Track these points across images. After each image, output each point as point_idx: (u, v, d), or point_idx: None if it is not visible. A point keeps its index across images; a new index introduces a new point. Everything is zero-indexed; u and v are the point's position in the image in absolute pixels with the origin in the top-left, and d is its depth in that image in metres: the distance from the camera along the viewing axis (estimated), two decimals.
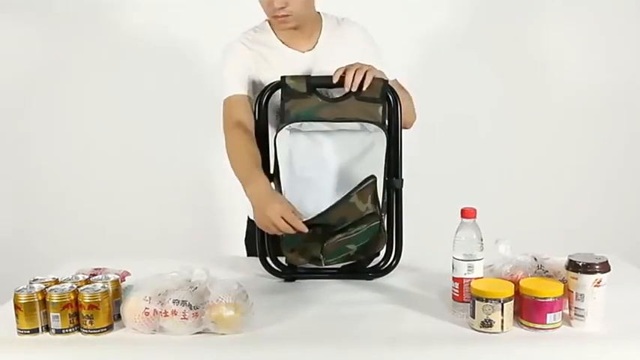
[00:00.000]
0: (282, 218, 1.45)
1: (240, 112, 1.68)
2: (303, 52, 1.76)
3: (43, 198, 3.02)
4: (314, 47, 1.77)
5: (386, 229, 1.59)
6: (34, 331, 1.31)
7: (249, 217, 1.98)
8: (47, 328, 1.32)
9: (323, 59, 1.74)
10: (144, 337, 1.30)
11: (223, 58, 1.76)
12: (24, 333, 1.31)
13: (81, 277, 1.41)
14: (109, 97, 2.90)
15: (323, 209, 1.48)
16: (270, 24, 1.77)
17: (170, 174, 2.94)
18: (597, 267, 1.27)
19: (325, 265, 1.54)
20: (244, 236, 1.98)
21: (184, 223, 3.00)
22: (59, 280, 1.40)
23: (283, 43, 1.76)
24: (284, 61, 1.74)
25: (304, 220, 1.48)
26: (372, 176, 1.51)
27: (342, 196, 1.49)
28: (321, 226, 1.49)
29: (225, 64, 1.75)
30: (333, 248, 1.51)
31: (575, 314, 1.30)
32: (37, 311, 1.31)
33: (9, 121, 2.96)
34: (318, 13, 1.80)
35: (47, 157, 2.98)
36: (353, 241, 1.51)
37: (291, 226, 1.45)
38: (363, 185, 1.49)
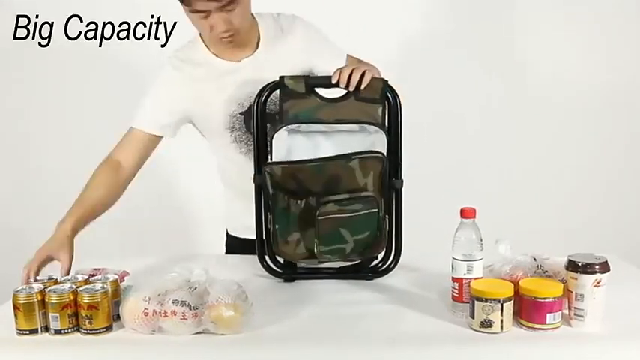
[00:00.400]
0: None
1: (127, 151, 1.75)
2: (239, 60, 1.73)
3: (43, 198, 3.01)
4: (253, 54, 1.74)
5: (387, 232, 1.58)
6: (34, 331, 1.31)
7: (227, 231, 1.97)
8: (46, 329, 1.32)
9: (266, 64, 1.71)
10: (143, 337, 1.29)
11: (153, 83, 1.75)
12: (23, 333, 1.31)
13: (80, 277, 1.41)
14: (109, 97, 2.89)
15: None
16: (201, 37, 1.74)
17: (170, 174, 2.94)
18: (597, 267, 1.27)
19: (320, 257, 1.52)
20: (224, 250, 1.98)
21: (184, 223, 3.00)
22: (58, 280, 1.41)
23: (216, 55, 1.73)
24: (217, 76, 1.72)
25: (300, 160, 1.49)
26: (381, 153, 1.51)
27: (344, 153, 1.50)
28: (314, 178, 1.48)
29: (151, 90, 1.75)
30: (328, 228, 1.48)
31: (574, 314, 1.30)
32: (37, 311, 1.30)
33: (9, 121, 2.96)
34: (252, 15, 1.75)
35: (47, 157, 2.98)
36: (348, 226, 1.49)
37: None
38: (368, 154, 1.49)
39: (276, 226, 1.54)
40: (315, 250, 1.50)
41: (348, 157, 1.49)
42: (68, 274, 1.47)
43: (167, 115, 1.73)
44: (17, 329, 1.31)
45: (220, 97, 1.71)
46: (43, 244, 1.54)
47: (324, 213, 1.48)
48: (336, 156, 1.50)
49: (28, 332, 1.31)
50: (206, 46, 1.73)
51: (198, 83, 1.72)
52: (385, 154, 1.56)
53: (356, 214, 1.49)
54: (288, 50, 1.74)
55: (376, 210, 1.50)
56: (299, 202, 1.51)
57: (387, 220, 1.57)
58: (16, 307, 1.31)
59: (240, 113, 1.66)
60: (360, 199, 1.49)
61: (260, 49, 1.74)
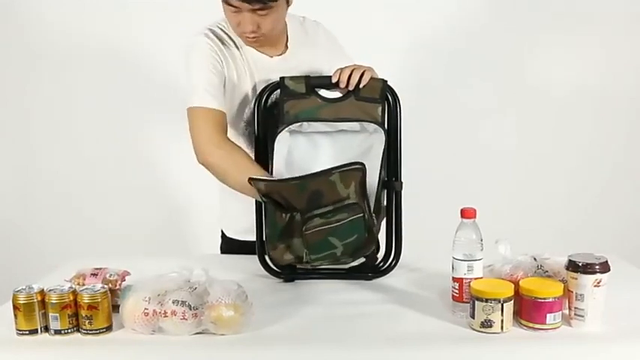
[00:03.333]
0: None
1: (216, 129, 1.62)
2: (272, 57, 1.74)
3: (43, 199, 3.02)
4: (283, 53, 1.75)
5: (375, 230, 1.56)
6: (33, 331, 1.31)
7: (223, 233, 1.96)
8: (46, 329, 1.31)
9: (294, 65, 1.72)
10: (143, 337, 1.29)
11: (191, 59, 1.67)
12: (23, 334, 1.31)
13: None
14: (110, 97, 2.90)
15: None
16: None
17: (170, 174, 2.94)
18: (597, 267, 1.27)
19: (311, 264, 1.51)
20: (219, 253, 1.97)
21: (185, 223, 3.00)
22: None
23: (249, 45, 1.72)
24: (252, 65, 1.71)
25: (282, 178, 1.49)
26: (360, 163, 1.48)
27: (324, 169, 1.47)
28: (297, 195, 1.46)
29: (194, 66, 1.66)
30: (315, 239, 1.46)
31: (575, 314, 1.30)
32: (36, 312, 1.30)
33: (10, 121, 2.96)
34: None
35: (48, 158, 2.98)
36: (336, 234, 1.47)
37: None
38: (348, 167, 1.46)
39: (267, 231, 1.55)
40: (305, 259, 1.48)
41: (328, 172, 1.46)
42: None
43: (220, 88, 1.66)
44: (17, 329, 1.31)
45: (247, 86, 1.70)
46: None
47: (310, 227, 1.46)
48: (316, 172, 1.47)
49: (27, 332, 1.31)
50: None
51: (232, 60, 1.69)
52: (384, 153, 1.56)
53: (341, 222, 1.47)
54: (313, 55, 1.76)
55: (361, 215, 1.48)
56: (284, 215, 1.49)
57: (374, 218, 1.54)
58: (15, 308, 1.31)
59: None
60: (343, 207, 1.47)
61: (289, 50, 1.76)
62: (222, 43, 1.69)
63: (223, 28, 1.72)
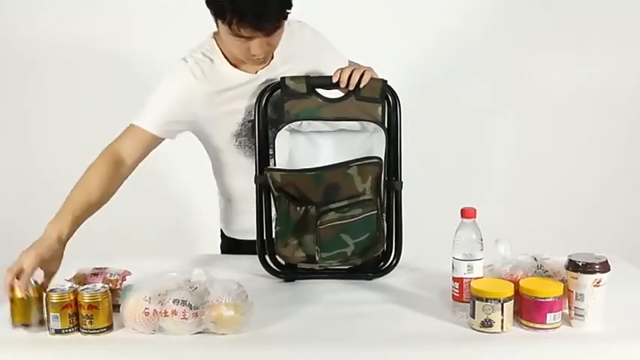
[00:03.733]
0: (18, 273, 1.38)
1: (130, 147, 1.65)
2: (256, 72, 1.66)
3: (44, 200, 3.00)
4: (269, 64, 1.67)
5: (385, 230, 1.58)
6: (26, 325, 1.32)
7: (223, 232, 1.96)
8: (42, 322, 1.32)
9: (281, 73, 1.65)
10: (143, 337, 1.29)
11: (161, 82, 1.68)
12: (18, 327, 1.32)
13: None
14: (110, 97, 2.90)
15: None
16: (217, 44, 1.65)
17: (171, 174, 2.94)
18: (597, 267, 1.27)
19: (321, 262, 1.52)
20: (220, 253, 1.97)
21: (185, 223, 3.00)
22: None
23: (235, 66, 1.66)
24: (233, 87, 1.66)
25: (299, 168, 1.48)
26: (378, 158, 1.50)
27: (342, 161, 1.48)
28: (313, 187, 1.47)
29: (159, 90, 1.67)
30: (328, 235, 1.49)
31: (575, 314, 1.30)
32: (32, 307, 1.32)
33: (11, 121, 2.96)
34: None
35: (48, 158, 2.98)
36: (348, 231, 1.49)
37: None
38: (366, 161, 1.49)
39: (278, 228, 1.55)
40: (317, 257, 1.51)
41: (346, 164, 1.49)
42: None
43: (175, 121, 1.67)
44: (13, 323, 1.32)
45: (233, 106, 1.67)
46: (33, 249, 1.44)
47: (325, 222, 1.49)
48: (335, 164, 1.50)
49: (22, 326, 1.32)
50: (223, 54, 1.66)
51: (212, 92, 1.65)
52: (385, 153, 1.57)
53: (356, 218, 1.50)
54: (300, 58, 1.71)
55: (375, 212, 1.51)
56: (298, 208, 1.52)
57: (383, 217, 1.58)
58: (12, 301, 1.32)
59: (249, 121, 1.65)
60: (358, 203, 1.50)
61: (275, 59, 1.68)
62: (204, 72, 1.64)
63: (206, 54, 1.66)
